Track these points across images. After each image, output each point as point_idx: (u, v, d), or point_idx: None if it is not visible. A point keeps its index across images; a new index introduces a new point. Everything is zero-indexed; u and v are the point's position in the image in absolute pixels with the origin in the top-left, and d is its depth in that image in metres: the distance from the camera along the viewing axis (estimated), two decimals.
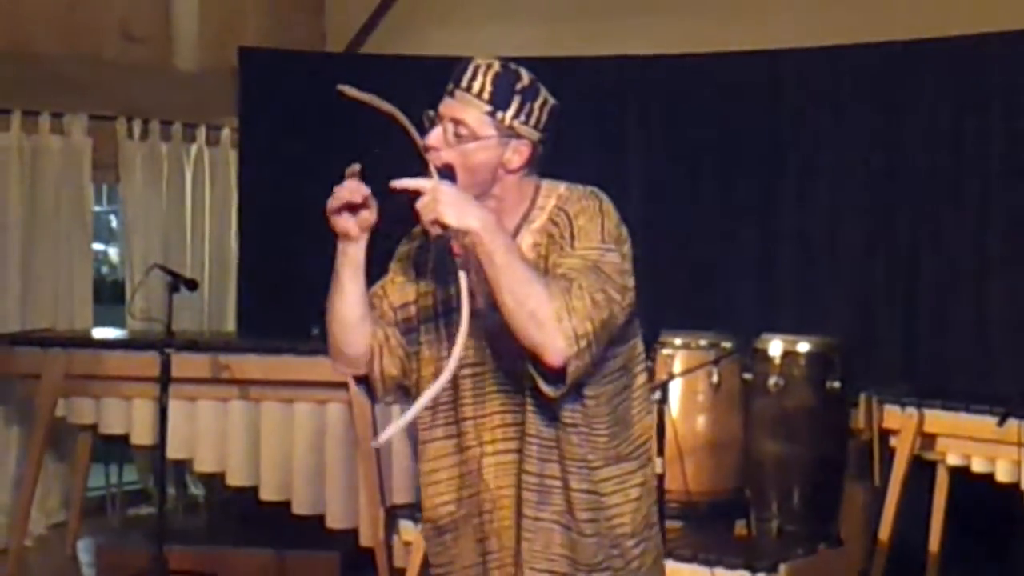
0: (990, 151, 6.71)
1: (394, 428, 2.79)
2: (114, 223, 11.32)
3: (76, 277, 7.50)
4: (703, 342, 6.00)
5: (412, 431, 3.05)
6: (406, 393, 3.01)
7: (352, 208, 2.79)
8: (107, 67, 7.61)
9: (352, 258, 2.85)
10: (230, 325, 8.20)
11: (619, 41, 7.55)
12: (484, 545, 2.94)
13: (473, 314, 2.79)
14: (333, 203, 2.80)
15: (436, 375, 2.89)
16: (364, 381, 3.03)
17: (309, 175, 7.79)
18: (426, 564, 5.19)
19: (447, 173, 2.78)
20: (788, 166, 7.30)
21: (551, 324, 2.68)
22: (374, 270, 2.97)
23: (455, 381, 2.90)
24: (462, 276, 2.76)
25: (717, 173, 7.39)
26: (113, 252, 11.99)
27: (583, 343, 2.70)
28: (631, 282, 2.88)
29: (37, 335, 6.71)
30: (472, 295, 2.77)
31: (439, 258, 2.96)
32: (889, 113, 7.00)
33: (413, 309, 2.98)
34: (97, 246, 10.05)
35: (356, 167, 2.80)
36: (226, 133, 8.20)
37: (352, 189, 2.78)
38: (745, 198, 7.35)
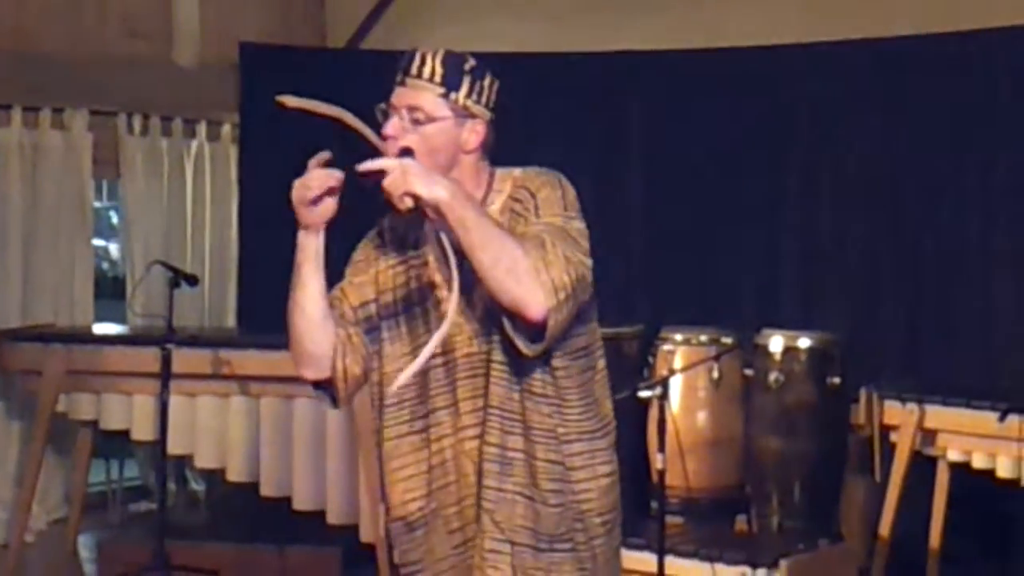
0: (995, 147, 6.70)
1: (405, 376, 2.82)
2: (115, 219, 11.33)
3: (77, 273, 7.50)
4: (704, 338, 6.00)
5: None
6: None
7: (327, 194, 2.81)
8: (108, 63, 7.60)
9: (313, 251, 2.89)
10: (230, 321, 8.20)
11: (622, 36, 7.54)
12: (462, 534, 2.96)
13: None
14: (308, 192, 2.82)
15: (399, 372, 2.92)
16: (323, 386, 3.03)
17: None
18: None
19: (407, 155, 2.81)
20: (790, 161, 7.30)
21: (529, 278, 2.71)
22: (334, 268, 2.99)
23: (425, 373, 2.93)
24: (443, 236, 2.79)
25: (719, 168, 7.38)
26: (114, 248, 12.00)
27: (562, 295, 2.74)
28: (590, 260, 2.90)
29: (38, 331, 6.71)
30: (457, 253, 2.77)
31: (397, 248, 2.99)
32: (893, 108, 6.99)
33: (373, 308, 3.00)
34: (98, 242, 10.04)
35: (326, 154, 2.84)
36: (227, 129, 8.20)
37: (327, 175, 2.81)
38: (747, 193, 7.34)
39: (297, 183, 2.85)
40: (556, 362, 2.89)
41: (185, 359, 5.98)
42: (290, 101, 2.83)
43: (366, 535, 6.20)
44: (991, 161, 6.71)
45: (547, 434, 2.90)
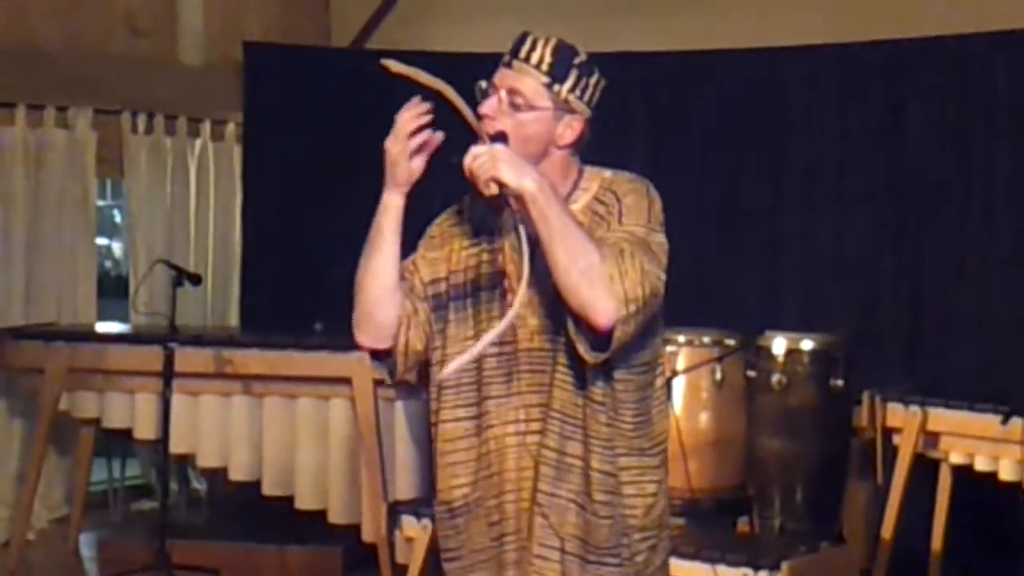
0: (995, 150, 6.69)
1: (459, 363, 2.79)
2: (118, 217, 11.33)
3: (80, 271, 7.50)
4: (707, 339, 5.99)
5: (426, 416, 3.03)
6: (422, 374, 3.00)
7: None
8: (112, 61, 7.61)
9: (396, 211, 2.84)
10: (233, 320, 8.19)
11: (624, 37, 7.53)
12: (500, 527, 2.93)
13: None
14: (407, 147, 2.78)
15: (458, 355, 2.88)
16: (380, 356, 2.97)
17: (313, 170, 7.84)
18: (428, 559, 5.21)
19: (501, 141, 2.78)
20: (792, 163, 7.29)
21: (603, 284, 2.68)
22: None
23: (480, 361, 2.89)
24: (520, 229, 2.76)
25: (721, 170, 7.38)
26: (117, 246, 12.00)
27: (632, 308, 2.70)
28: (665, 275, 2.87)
29: (41, 329, 6.71)
30: (532, 244, 2.74)
31: (474, 231, 2.96)
32: (894, 111, 6.98)
33: (443, 287, 2.96)
34: (101, 240, 10.04)
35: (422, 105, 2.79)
36: (231, 128, 8.20)
37: (415, 114, 2.77)
38: (749, 195, 7.34)
39: (389, 139, 2.79)
40: (617, 373, 2.85)
41: (188, 358, 5.99)
42: (395, 66, 2.76)
43: (367, 535, 6.20)
44: (992, 162, 6.70)
45: (603, 444, 2.86)
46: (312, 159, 7.77)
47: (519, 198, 2.72)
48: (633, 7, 7.64)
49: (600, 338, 2.73)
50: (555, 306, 2.79)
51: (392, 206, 2.83)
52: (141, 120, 7.74)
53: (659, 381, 2.99)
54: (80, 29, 7.52)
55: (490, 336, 2.77)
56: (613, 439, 2.87)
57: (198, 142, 8.05)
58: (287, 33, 8.42)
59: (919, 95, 6.90)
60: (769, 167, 7.32)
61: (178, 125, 7.93)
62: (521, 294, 2.74)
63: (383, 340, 2.93)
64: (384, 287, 2.87)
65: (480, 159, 2.71)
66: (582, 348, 2.75)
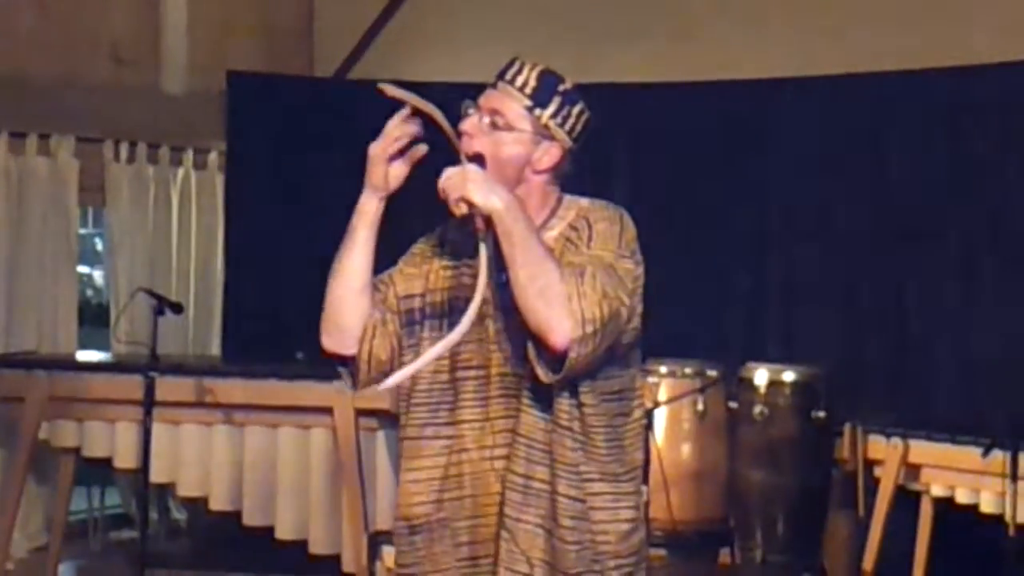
0: (977, 182, 6.72)
1: (401, 375, 2.81)
2: (99, 246, 11.30)
3: (61, 299, 7.48)
4: (689, 370, 6.00)
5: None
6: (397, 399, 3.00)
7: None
8: (95, 90, 7.60)
9: (371, 216, 2.87)
10: (215, 349, 8.18)
11: (606, 68, 7.55)
12: (471, 549, 2.92)
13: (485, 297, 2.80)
14: (388, 148, 2.83)
15: (435, 373, 2.90)
16: (348, 363, 2.98)
17: (296, 199, 7.84)
18: None
19: (477, 162, 2.81)
20: (775, 195, 7.31)
21: (560, 303, 2.69)
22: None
23: (456, 384, 2.91)
24: (482, 248, 2.78)
25: (704, 201, 7.39)
26: (98, 275, 11.95)
27: (589, 328, 2.70)
28: (639, 303, 2.88)
29: (21, 357, 6.68)
30: (491, 267, 2.77)
31: (455, 253, 2.97)
32: (878, 143, 7.01)
33: (417, 303, 2.97)
34: (82, 269, 10.01)
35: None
36: (213, 157, 8.19)
37: (404, 126, 2.82)
38: (732, 227, 7.35)
39: (375, 141, 2.84)
40: (585, 398, 2.85)
41: (169, 387, 5.97)
42: (390, 90, 2.78)
43: (348, 565, 6.18)
44: (973, 196, 6.73)
45: (570, 469, 2.85)
46: (294, 188, 7.77)
47: (488, 218, 2.74)
48: (616, 38, 7.67)
49: (558, 360, 2.73)
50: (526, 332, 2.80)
51: (366, 209, 2.88)
52: (123, 148, 7.73)
53: (636, 412, 2.98)
54: (64, 57, 7.51)
55: (433, 351, 2.78)
56: (581, 464, 2.86)
57: (180, 171, 8.05)
58: (270, 62, 8.42)
59: (903, 128, 6.93)
60: (752, 199, 7.34)
61: (160, 154, 7.93)
62: (472, 310, 2.75)
63: (347, 346, 2.94)
64: (349, 289, 2.90)
65: (452, 179, 2.74)
66: (540, 370, 2.76)
